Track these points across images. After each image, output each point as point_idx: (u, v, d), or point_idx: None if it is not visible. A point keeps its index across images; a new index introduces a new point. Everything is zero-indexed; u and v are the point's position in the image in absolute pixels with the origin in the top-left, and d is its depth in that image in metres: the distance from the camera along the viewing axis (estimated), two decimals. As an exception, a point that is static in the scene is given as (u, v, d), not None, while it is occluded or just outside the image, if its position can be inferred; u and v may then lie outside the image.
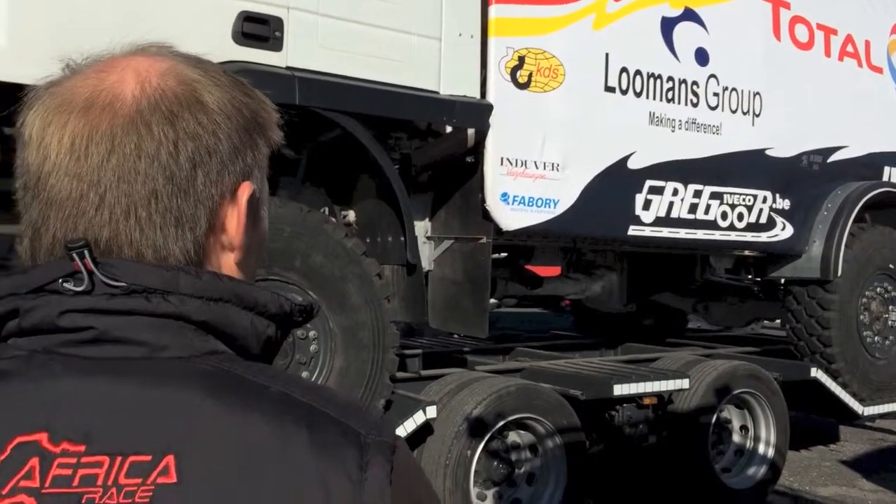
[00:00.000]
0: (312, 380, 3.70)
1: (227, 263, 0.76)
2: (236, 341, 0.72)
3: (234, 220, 0.75)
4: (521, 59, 4.42)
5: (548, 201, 4.56)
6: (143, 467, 0.63)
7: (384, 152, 4.07)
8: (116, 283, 0.68)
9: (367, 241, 4.24)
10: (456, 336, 6.83)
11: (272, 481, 0.64)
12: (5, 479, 0.62)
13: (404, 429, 3.99)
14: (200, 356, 0.70)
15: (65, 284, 0.68)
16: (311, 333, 3.72)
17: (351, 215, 4.42)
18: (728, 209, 5.41)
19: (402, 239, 4.08)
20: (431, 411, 4.11)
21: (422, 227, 4.63)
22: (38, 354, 0.69)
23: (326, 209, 4.41)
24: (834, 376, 5.92)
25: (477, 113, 4.27)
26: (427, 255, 4.62)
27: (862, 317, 6.02)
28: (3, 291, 0.70)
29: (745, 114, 5.44)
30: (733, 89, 5.37)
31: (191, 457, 0.64)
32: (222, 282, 0.72)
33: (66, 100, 0.72)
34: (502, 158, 4.37)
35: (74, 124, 0.71)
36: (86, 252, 0.68)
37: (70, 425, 0.64)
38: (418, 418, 4.06)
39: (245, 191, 0.76)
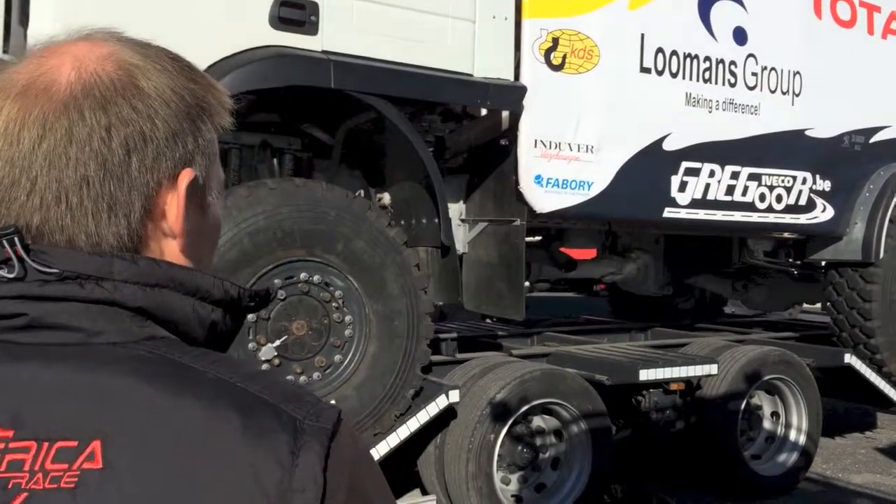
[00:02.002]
0: (345, 363, 3.75)
1: (171, 250, 0.76)
2: (178, 327, 0.72)
3: (174, 207, 0.75)
4: (556, 41, 4.41)
5: (582, 183, 4.55)
6: (70, 453, 0.63)
7: (418, 135, 4.10)
8: (49, 270, 0.68)
9: (402, 223, 4.28)
10: (489, 321, 6.87)
11: (201, 467, 0.63)
12: None
13: (427, 413, 4.01)
14: (138, 342, 0.69)
15: None
16: (347, 318, 3.76)
17: (386, 198, 4.46)
18: (766, 191, 5.34)
19: (437, 221, 4.10)
20: (454, 395, 4.13)
21: (456, 210, 4.66)
22: None
23: (362, 192, 4.46)
24: (872, 353, 5.83)
25: (510, 95, 4.27)
26: (461, 237, 4.65)
27: None
28: None
29: (784, 94, 5.35)
30: (772, 69, 5.29)
31: (118, 442, 0.63)
32: (159, 267, 0.71)
33: (5, 85, 0.72)
34: (536, 141, 4.37)
35: (9, 109, 0.71)
36: (16, 239, 0.68)
37: None
38: (441, 402, 4.08)
39: (185, 177, 0.75)
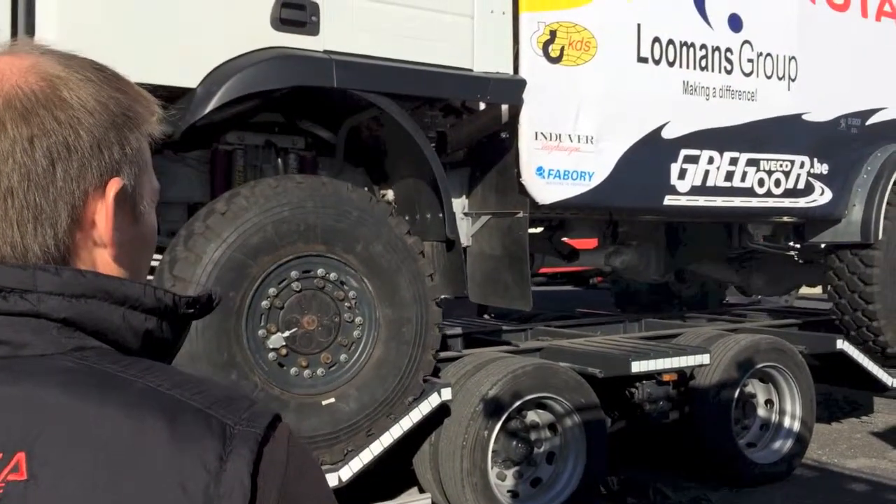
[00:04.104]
0: (350, 363, 3.79)
1: (102, 259, 0.76)
2: (109, 336, 0.72)
3: (103, 216, 0.75)
4: (553, 34, 4.45)
5: (583, 174, 4.59)
6: None
7: (421, 131, 4.14)
8: None
9: (407, 218, 4.33)
10: (487, 316, 6.93)
11: (126, 475, 0.64)
12: None
13: (419, 411, 4.01)
14: (66, 353, 0.69)
15: None
16: (357, 319, 3.80)
17: (390, 194, 4.50)
18: (765, 176, 5.39)
19: (441, 215, 4.15)
20: (446, 393, 4.13)
21: (459, 204, 4.70)
22: None
23: (366, 189, 4.50)
24: (875, 335, 5.88)
25: (510, 89, 4.31)
26: (465, 230, 4.69)
27: None
28: None
29: (780, 79, 5.39)
30: (768, 54, 5.33)
31: (43, 453, 0.64)
32: (84, 278, 0.71)
33: None
34: (537, 133, 4.42)
35: None
36: None
37: None
38: (433, 400, 4.07)
39: (113, 186, 0.75)
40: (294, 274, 3.64)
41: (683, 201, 5.05)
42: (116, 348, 0.73)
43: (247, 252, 3.50)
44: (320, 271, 3.70)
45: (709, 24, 5.07)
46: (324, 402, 3.71)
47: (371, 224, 3.77)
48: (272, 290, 3.60)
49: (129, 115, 0.78)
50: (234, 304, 3.47)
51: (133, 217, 0.79)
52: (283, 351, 3.64)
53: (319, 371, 3.73)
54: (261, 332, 3.59)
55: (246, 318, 3.53)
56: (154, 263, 3.53)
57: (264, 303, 3.59)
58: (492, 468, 4.34)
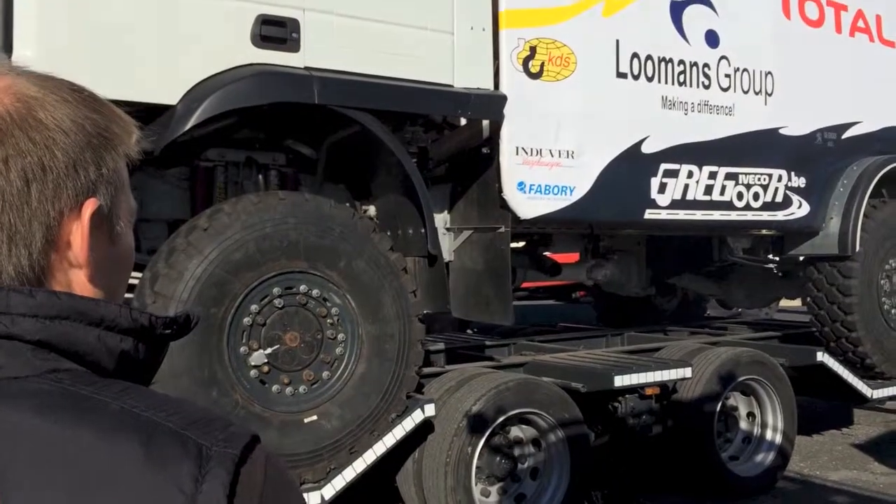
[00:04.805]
0: (332, 380, 3.76)
1: (78, 280, 0.76)
2: (85, 357, 0.71)
3: (78, 237, 0.75)
4: (533, 50, 4.48)
5: (564, 188, 4.62)
6: None
7: (402, 147, 4.15)
8: None
9: (389, 234, 4.32)
10: (470, 331, 6.93)
11: (102, 499, 0.63)
12: None
13: (403, 428, 3.99)
14: (39, 375, 0.69)
15: None
16: (340, 336, 3.78)
17: (372, 210, 4.50)
18: (743, 189, 5.45)
19: (423, 231, 4.15)
20: (430, 409, 4.11)
21: (441, 219, 4.71)
22: None
23: (348, 205, 4.49)
24: (854, 346, 5.94)
25: (491, 104, 4.33)
26: (447, 246, 4.69)
27: (883, 282, 6.04)
28: None
29: (757, 94, 5.47)
30: (745, 70, 5.40)
31: (16, 477, 0.63)
32: (59, 299, 0.71)
33: None
34: (517, 148, 4.44)
35: None
36: None
37: None
38: (417, 417, 4.05)
39: (89, 206, 0.75)
40: (276, 290, 3.62)
41: (664, 215, 5.09)
42: (92, 370, 0.72)
43: (228, 268, 3.48)
44: (302, 288, 3.68)
45: (686, 40, 5.13)
46: (306, 420, 3.68)
47: (353, 240, 3.77)
48: (254, 307, 3.58)
49: (106, 135, 0.78)
50: (215, 320, 3.45)
51: (109, 237, 0.78)
52: (265, 368, 3.61)
53: (301, 388, 3.70)
54: (242, 349, 3.57)
55: (227, 334, 3.50)
56: (133, 282, 3.50)
57: (246, 319, 3.56)
58: (476, 484, 4.31)
